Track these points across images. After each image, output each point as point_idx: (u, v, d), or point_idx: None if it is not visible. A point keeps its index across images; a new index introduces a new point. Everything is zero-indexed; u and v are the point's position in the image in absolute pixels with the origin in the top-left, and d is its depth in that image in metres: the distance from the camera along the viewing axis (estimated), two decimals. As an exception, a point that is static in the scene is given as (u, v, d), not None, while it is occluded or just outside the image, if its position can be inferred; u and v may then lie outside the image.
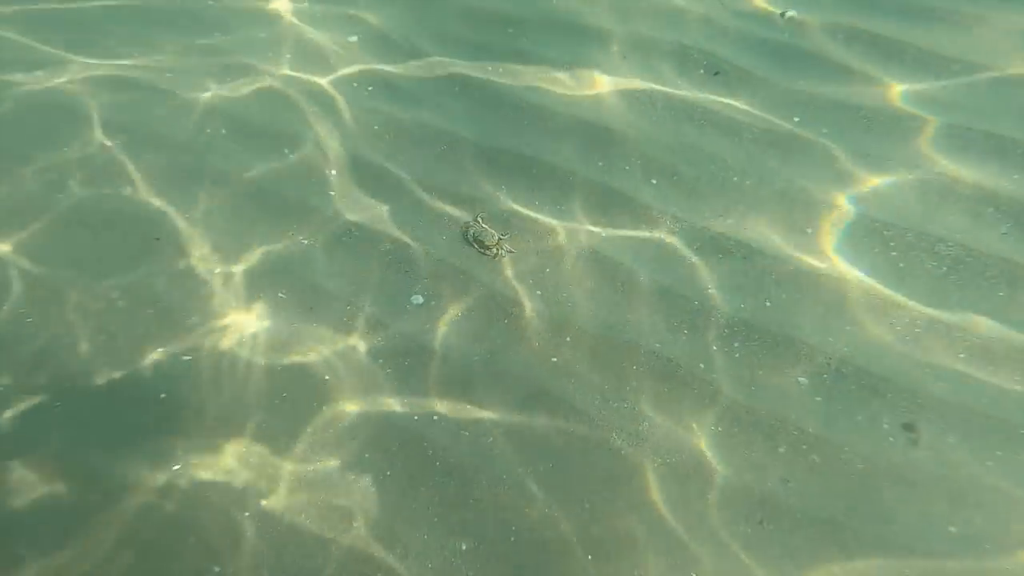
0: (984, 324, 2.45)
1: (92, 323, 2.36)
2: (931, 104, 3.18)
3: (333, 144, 2.99)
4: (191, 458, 2.10)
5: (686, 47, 3.48)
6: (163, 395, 2.21)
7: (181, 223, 2.65)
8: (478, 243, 2.61)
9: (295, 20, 3.54)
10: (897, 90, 3.25)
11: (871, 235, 2.72)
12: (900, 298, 2.53)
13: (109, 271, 2.49)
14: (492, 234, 2.62)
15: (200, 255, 2.56)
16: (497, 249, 2.59)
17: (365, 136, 3.03)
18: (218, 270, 2.53)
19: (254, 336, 2.37)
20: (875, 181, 2.89)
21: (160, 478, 2.05)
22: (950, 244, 2.66)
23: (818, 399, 2.30)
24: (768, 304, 2.52)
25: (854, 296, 2.53)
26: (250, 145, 2.95)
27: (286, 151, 2.94)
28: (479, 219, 2.68)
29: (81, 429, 2.14)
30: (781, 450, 2.19)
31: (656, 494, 2.09)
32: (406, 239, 2.66)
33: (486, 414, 2.24)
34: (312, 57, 3.37)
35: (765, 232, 2.74)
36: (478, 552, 1.99)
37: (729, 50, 3.48)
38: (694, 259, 2.64)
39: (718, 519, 2.05)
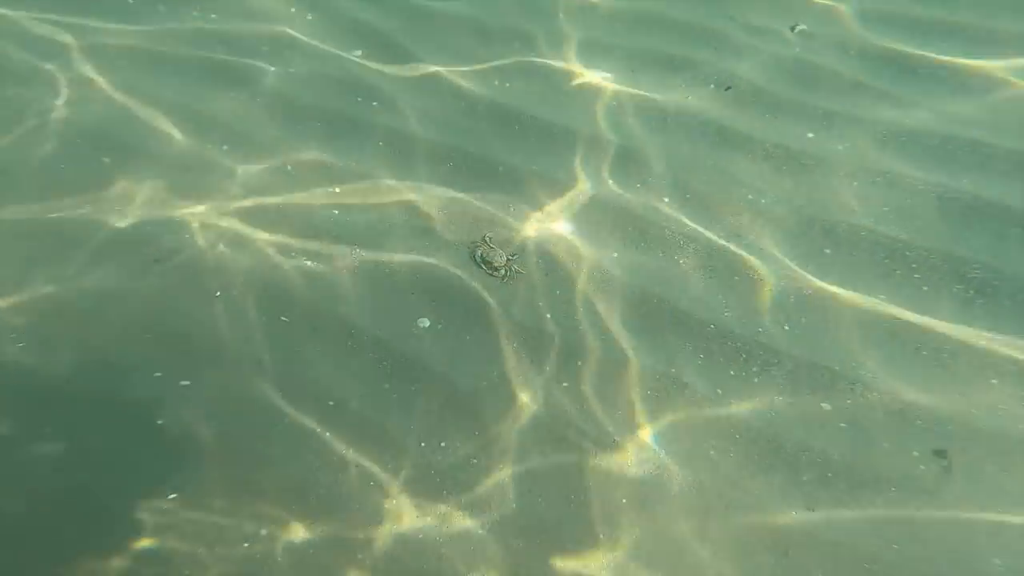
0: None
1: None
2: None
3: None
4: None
5: (696, 61, 3.42)
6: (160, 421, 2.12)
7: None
8: (486, 264, 2.52)
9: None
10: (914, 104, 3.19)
11: (892, 256, 2.64)
12: (926, 322, 2.44)
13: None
14: (501, 255, 2.53)
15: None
16: (506, 270, 2.51)
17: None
18: (218, 293, 2.43)
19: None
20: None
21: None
22: (976, 266, 2.58)
23: (842, 425, 2.20)
24: (787, 328, 2.43)
25: (878, 321, 2.45)
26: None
27: (288, 168, 2.87)
28: (487, 239, 2.59)
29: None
30: (805, 478, 2.10)
31: (679, 523, 2.00)
32: (411, 259, 2.58)
33: (495, 443, 2.14)
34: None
35: (778, 252, 2.66)
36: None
37: (739, 64, 3.42)
38: (709, 280, 2.56)
39: (739, 551, 1.95)
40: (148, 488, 1.97)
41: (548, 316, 2.43)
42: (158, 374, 2.20)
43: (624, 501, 2.04)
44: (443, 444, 2.13)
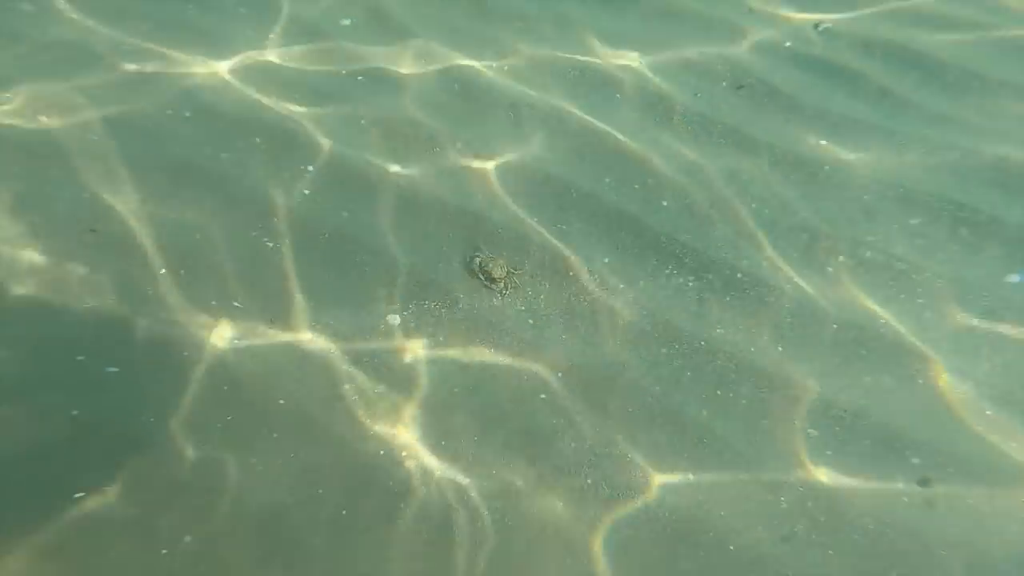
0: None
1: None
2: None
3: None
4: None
5: (709, 57, 3.29)
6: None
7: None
8: (484, 274, 2.39)
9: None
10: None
11: (897, 280, 2.60)
12: (923, 349, 2.41)
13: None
14: (502, 265, 2.39)
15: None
16: (505, 283, 2.38)
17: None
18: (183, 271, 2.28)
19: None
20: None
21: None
22: (985, 295, 2.53)
23: (828, 452, 2.19)
24: (780, 349, 2.41)
25: (871, 344, 2.43)
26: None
27: (257, 139, 2.65)
28: (486, 246, 2.49)
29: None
30: (783, 505, 2.10)
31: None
32: (397, 259, 2.40)
33: (465, 452, 2.08)
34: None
35: (784, 268, 2.61)
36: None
37: (755, 62, 3.27)
38: (709, 297, 2.52)
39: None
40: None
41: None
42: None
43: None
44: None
